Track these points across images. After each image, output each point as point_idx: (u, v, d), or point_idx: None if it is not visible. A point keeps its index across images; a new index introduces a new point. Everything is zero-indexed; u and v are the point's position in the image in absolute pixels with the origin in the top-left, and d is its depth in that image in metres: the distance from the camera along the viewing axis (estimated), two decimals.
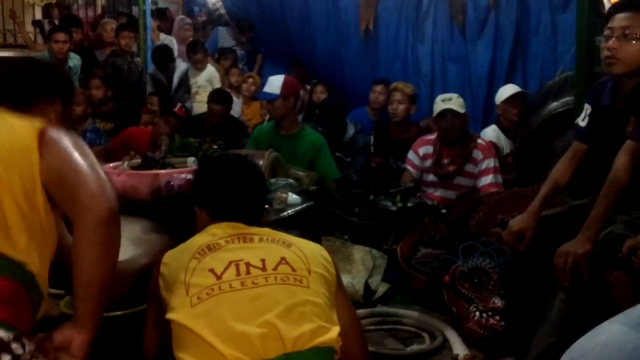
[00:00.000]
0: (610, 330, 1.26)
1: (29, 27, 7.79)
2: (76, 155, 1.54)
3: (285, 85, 4.21)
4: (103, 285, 1.50)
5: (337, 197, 3.89)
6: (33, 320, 1.51)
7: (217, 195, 1.88)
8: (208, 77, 6.44)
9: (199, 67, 6.43)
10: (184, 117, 4.84)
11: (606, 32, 2.35)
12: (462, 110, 4.02)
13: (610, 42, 2.31)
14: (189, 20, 7.52)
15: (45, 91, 1.81)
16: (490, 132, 4.51)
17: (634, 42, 2.27)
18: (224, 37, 7.11)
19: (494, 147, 4.23)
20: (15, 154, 1.51)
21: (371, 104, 5.39)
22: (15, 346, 1.37)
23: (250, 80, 6.35)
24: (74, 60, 5.97)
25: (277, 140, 4.16)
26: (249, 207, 1.88)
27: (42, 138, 1.54)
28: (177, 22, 7.51)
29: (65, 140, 1.57)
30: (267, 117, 4.34)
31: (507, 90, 4.57)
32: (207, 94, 5.76)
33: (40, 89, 1.80)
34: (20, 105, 1.71)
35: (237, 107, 6.06)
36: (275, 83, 4.24)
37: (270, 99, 4.20)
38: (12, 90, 1.76)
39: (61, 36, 5.79)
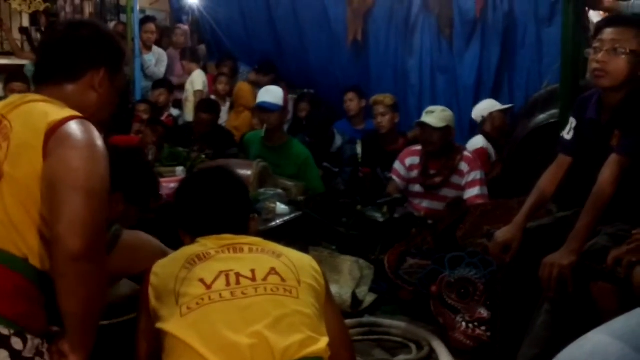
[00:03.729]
0: (595, 340, 1.28)
1: (16, 35, 7.76)
2: (76, 167, 1.43)
3: (284, 97, 4.35)
4: (85, 317, 1.44)
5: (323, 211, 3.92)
6: (46, 316, 1.49)
7: (195, 217, 1.86)
8: (190, 81, 6.44)
9: (187, 72, 6.57)
10: (171, 126, 4.85)
11: (595, 44, 2.38)
12: (440, 125, 3.95)
13: (599, 55, 2.34)
14: (182, 27, 7.49)
15: (89, 59, 1.67)
16: (479, 141, 4.60)
17: (622, 56, 2.31)
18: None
19: (485, 153, 4.29)
20: (22, 151, 1.46)
21: (347, 113, 5.45)
22: (15, 340, 1.37)
23: (243, 89, 6.36)
24: None
25: (264, 151, 4.19)
26: (230, 218, 1.85)
27: (51, 136, 1.46)
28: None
29: (75, 142, 1.46)
30: (264, 127, 4.35)
31: (495, 105, 4.67)
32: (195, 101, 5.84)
33: (83, 58, 1.67)
34: (65, 78, 1.64)
35: (223, 115, 6.05)
36: (277, 94, 4.32)
37: (275, 109, 4.24)
38: (54, 61, 1.66)
39: None
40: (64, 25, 1.78)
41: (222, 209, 1.86)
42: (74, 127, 1.49)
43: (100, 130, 1.58)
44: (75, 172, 1.42)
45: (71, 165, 1.43)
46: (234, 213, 1.87)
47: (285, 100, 4.37)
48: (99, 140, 1.53)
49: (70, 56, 1.66)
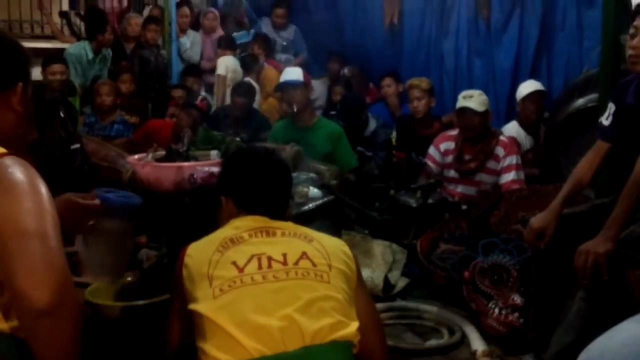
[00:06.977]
0: (629, 330, 1.26)
1: (56, 18, 7.89)
2: (21, 210, 1.22)
3: (305, 74, 4.48)
4: None
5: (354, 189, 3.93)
6: None
7: (246, 185, 1.89)
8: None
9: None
10: (205, 110, 4.89)
11: (631, 30, 2.34)
12: (481, 109, 3.94)
13: (634, 41, 2.30)
14: (213, 10, 7.48)
15: (4, 80, 1.44)
16: (511, 128, 4.50)
17: None
18: (267, 27, 6.88)
19: (514, 143, 4.21)
20: None
21: (384, 98, 5.43)
22: None
23: (269, 75, 6.32)
24: (105, 52, 6.07)
25: (294, 133, 4.19)
26: (276, 200, 1.89)
27: None
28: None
29: (12, 184, 1.25)
30: (293, 109, 4.37)
31: (525, 88, 4.57)
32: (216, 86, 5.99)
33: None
34: None
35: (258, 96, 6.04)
36: (296, 71, 4.51)
37: (298, 84, 4.34)
38: None
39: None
40: None
41: (270, 190, 1.89)
42: (3, 167, 1.28)
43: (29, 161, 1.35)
44: (22, 216, 1.23)
45: (15, 211, 1.23)
46: (278, 197, 1.91)
47: (306, 77, 4.52)
48: (36, 177, 1.31)
49: None
